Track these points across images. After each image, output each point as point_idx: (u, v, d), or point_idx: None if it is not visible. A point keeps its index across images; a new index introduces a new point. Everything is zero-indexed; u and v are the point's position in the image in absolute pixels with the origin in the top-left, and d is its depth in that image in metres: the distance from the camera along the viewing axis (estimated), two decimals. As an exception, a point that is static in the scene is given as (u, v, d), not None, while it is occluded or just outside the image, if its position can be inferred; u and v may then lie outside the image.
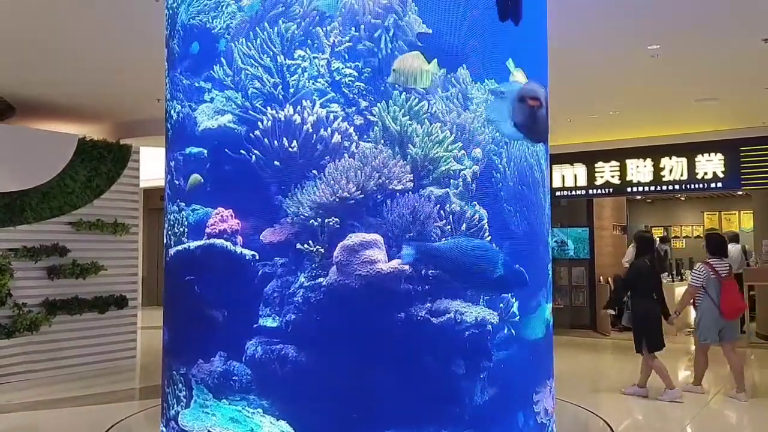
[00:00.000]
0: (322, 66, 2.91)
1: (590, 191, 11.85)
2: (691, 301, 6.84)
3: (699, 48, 6.68)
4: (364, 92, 2.90)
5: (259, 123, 2.96)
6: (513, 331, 3.08)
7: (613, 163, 11.59)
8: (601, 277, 12.01)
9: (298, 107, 2.91)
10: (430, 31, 2.94)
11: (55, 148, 7.73)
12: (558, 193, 11.80)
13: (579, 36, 6.25)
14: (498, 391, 3.01)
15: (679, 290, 11.17)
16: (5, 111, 9.09)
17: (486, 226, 3.00)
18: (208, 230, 3.08)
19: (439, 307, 2.88)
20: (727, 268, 6.65)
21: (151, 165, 9.92)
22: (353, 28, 2.91)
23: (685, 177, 11.03)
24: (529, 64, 3.30)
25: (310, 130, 2.89)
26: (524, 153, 3.23)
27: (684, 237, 18.54)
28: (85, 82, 8.03)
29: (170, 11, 3.47)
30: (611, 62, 7.17)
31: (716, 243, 6.78)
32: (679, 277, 11.72)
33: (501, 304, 3.03)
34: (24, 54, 6.91)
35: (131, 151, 8.42)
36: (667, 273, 11.64)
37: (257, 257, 2.95)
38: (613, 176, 11.61)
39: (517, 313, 3.09)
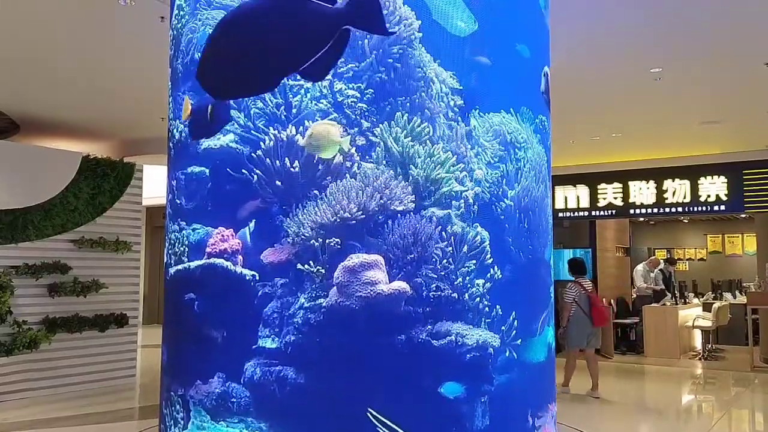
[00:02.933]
0: (324, 87, 2.91)
1: (593, 213, 11.83)
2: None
3: (701, 71, 6.71)
4: (367, 113, 2.90)
5: (262, 143, 2.96)
6: (514, 354, 3.06)
7: (616, 184, 11.59)
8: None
9: (301, 128, 2.91)
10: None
11: (58, 166, 7.76)
12: (560, 215, 11.79)
13: (582, 58, 6.28)
14: (499, 415, 2.97)
15: (683, 313, 11.12)
16: (10, 128, 9.15)
17: (488, 248, 2.98)
18: (208, 250, 3.06)
19: (440, 329, 2.86)
20: (591, 284, 8.02)
21: (155, 183, 9.95)
22: (356, 49, 2.92)
23: (688, 199, 11.02)
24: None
25: (312, 151, 2.89)
26: (527, 174, 3.22)
27: (687, 259, 18.48)
28: (89, 101, 8.08)
29: (175, 31, 3.49)
30: (614, 84, 7.19)
31: (579, 265, 8.09)
32: (683, 300, 11.64)
33: (503, 327, 3.00)
34: (28, 72, 6.95)
35: (135, 169, 8.44)
36: (670, 296, 11.56)
37: (257, 277, 2.93)
38: (615, 198, 11.60)
39: (519, 335, 3.07)
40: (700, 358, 10.75)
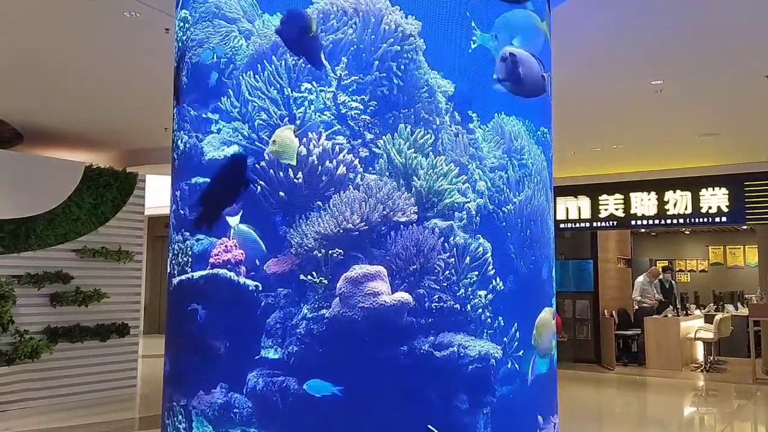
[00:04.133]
0: (328, 99, 2.93)
1: (594, 224, 11.84)
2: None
3: (702, 83, 6.74)
4: (370, 125, 2.92)
5: (265, 154, 2.98)
6: (516, 366, 3.06)
7: (617, 196, 11.60)
8: (605, 311, 11.94)
9: (304, 139, 2.92)
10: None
11: (61, 176, 7.78)
12: (562, 226, 11.79)
13: (583, 70, 6.30)
14: (501, 427, 2.97)
15: (684, 325, 11.10)
16: (13, 138, 9.18)
17: (490, 259, 2.99)
18: (211, 260, 3.07)
19: (442, 340, 2.86)
20: None
21: (158, 193, 9.98)
22: (360, 62, 2.94)
23: (689, 211, 11.02)
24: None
25: (316, 162, 2.90)
26: (529, 185, 3.24)
27: (689, 271, 18.45)
28: (93, 111, 8.11)
29: (179, 43, 3.51)
30: (615, 96, 7.22)
31: None
32: (685, 312, 11.61)
33: (505, 338, 3.01)
34: (32, 82, 6.99)
35: (137, 179, 8.47)
36: (672, 307, 11.54)
37: (260, 288, 2.93)
38: (617, 209, 11.61)
39: (521, 347, 3.07)
40: (701, 370, 10.73)
